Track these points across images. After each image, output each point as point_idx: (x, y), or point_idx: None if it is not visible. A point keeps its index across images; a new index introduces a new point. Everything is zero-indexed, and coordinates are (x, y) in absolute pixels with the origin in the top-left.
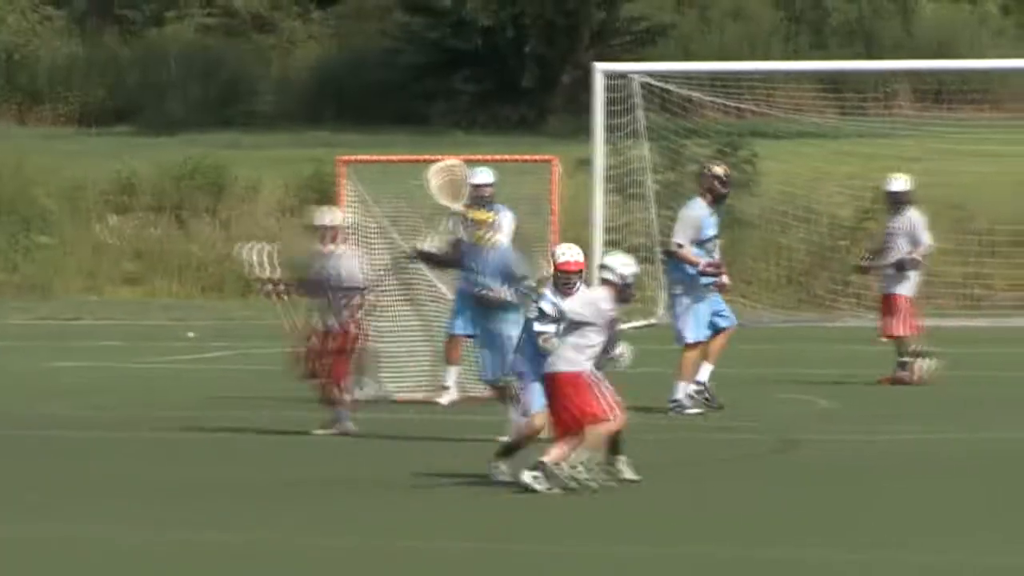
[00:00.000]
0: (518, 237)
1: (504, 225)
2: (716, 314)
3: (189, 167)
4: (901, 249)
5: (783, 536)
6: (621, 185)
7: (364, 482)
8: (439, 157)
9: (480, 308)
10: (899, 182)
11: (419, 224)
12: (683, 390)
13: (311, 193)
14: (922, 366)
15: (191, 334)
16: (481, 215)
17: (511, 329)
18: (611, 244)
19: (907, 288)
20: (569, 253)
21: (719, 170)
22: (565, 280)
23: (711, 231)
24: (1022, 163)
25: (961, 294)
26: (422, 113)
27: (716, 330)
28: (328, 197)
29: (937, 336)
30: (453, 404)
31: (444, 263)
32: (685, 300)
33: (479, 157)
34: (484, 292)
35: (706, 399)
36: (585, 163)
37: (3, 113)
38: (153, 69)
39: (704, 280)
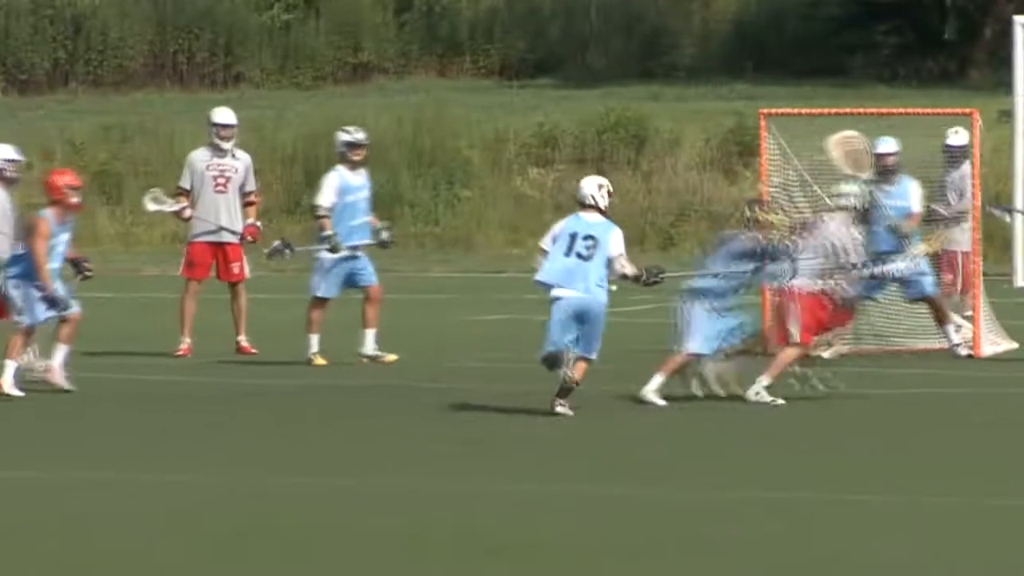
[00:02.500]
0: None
1: (912, 195)
2: None
3: (611, 120)
4: (953, 202)
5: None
6: None
7: None
8: (860, 111)
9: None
10: (958, 136)
11: (839, 178)
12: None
13: (732, 146)
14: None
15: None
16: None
17: None
18: None
19: (965, 243)
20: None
21: None
22: None
23: None
24: None
25: None
26: (842, 65)
27: None
28: (749, 150)
29: None
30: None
31: None
32: None
33: (899, 111)
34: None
35: None
36: (1006, 115)
37: (424, 66)
38: (575, 21)
39: None
